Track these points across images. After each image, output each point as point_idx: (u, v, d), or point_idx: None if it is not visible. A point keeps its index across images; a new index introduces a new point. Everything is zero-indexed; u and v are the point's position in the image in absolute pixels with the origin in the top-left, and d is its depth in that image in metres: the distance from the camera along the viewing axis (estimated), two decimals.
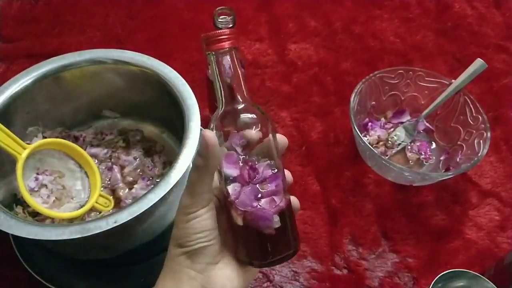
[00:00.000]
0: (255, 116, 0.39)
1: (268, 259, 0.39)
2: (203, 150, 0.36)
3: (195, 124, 0.58)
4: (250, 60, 0.90)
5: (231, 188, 0.38)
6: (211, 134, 0.37)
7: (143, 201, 0.51)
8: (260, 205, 0.38)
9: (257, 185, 0.38)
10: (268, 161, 0.39)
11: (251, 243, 0.39)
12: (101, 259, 0.64)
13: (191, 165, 0.59)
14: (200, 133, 0.37)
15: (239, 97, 0.39)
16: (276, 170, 0.39)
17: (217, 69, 0.39)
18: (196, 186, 0.38)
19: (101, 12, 0.99)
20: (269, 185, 0.38)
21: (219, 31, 0.38)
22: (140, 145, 0.71)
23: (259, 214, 0.38)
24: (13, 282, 0.63)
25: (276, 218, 0.38)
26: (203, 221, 0.38)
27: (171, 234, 0.40)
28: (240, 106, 0.39)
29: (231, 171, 0.38)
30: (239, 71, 0.39)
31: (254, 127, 0.38)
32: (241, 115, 0.39)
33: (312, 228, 0.70)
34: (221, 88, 0.39)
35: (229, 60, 0.38)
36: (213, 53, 0.38)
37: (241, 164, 0.38)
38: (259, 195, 0.38)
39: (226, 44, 0.38)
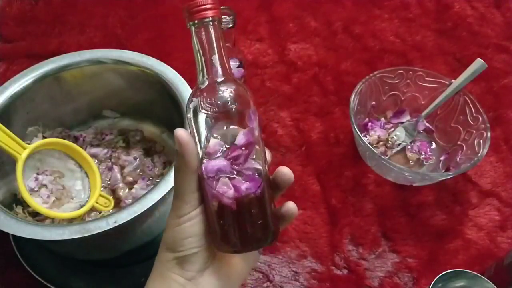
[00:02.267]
0: (235, 91, 0.37)
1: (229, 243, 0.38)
2: (179, 150, 0.36)
3: None
4: (250, 60, 0.90)
5: (205, 163, 0.37)
6: (183, 133, 0.36)
7: (143, 201, 0.51)
8: (225, 172, 0.37)
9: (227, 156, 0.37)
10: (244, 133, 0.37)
11: (219, 225, 0.38)
12: (101, 259, 0.64)
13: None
14: (176, 135, 0.36)
15: (220, 71, 0.38)
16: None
17: (198, 40, 0.37)
18: (181, 187, 0.38)
19: (101, 12, 0.99)
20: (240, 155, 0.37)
21: (201, 0, 0.36)
22: (140, 145, 0.71)
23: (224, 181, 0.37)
24: (13, 282, 0.63)
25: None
26: (194, 225, 0.38)
27: (162, 237, 0.40)
28: (220, 79, 0.37)
29: (209, 150, 0.37)
30: (221, 44, 0.37)
31: (234, 102, 0.37)
32: (220, 88, 0.37)
33: (312, 228, 0.70)
34: (202, 61, 0.38)
35: (212, 30, 0.37)
36: (195, 23, 0.37)
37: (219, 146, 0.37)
38: (229, 168, 0.37)
39: (209, 13, 0.36)
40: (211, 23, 0.37)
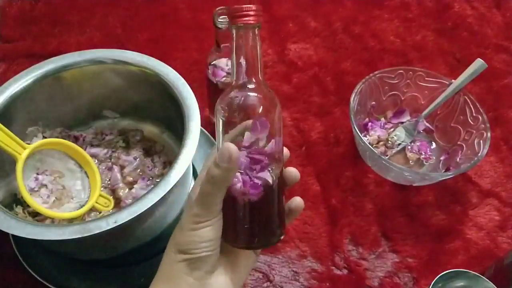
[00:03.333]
0: (261, 98, 0.39)
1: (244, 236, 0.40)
2: (225, 163, 0.36)
3: (195, 124, 0.58)
4: None
5: None
6: (234, 148, 0.36)
7: (143, 201, 0.51)
8: (247, 173, 0.38)
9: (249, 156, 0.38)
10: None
11: (235, 221, 0.40)
12: (101, 259, 0.64)
13: (191, 165, 0.59)
14: (223, 145, 0.37)
15: (252, 76, 0.39)
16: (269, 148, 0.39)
17: (236, 43, 0.38)
18: (209, 198, 0.38)
19: (101, 12, 0.99)
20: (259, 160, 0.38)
21: (246, 5, 0.37)
22: (140, 145, 0.71)
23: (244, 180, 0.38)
24: (13, 282, 0.63)
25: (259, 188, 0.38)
26: (211, 230, 0.38)
27: (172, 239, 0.40)
28: (251, 86, 0.39)
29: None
30: (258, 50, 0.39)
31: (259, 108, 0.38)
32: (249, 94, 0.38)
33: (312, 228, 0.70)
34: (237, 64, 0.39)
35: (251, 36, 0.38)
36: (236, 26, 0.38)
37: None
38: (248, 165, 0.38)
39: (251, 20, 0.37)
40: (253, 29, 0.38)
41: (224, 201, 0.39)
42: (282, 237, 0.41)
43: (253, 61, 0.39)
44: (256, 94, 0.39)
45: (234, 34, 0.38)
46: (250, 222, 0.39)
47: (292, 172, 0.41)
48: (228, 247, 0.41)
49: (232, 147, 0.36)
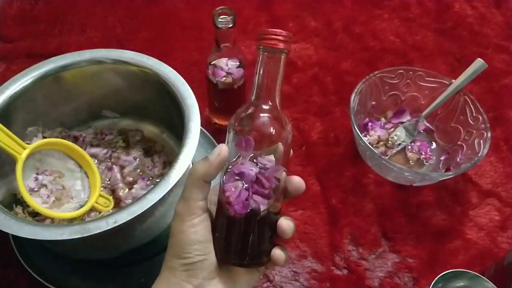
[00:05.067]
0: (272, 120, 0.39)
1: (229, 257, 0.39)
2: (214, 159, 0.38)
3: (195, 124, 0.58)
4: (250, 60, 0.89)
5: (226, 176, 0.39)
6: (225, 149, 0.38)
7: (143, 201, 0.51)
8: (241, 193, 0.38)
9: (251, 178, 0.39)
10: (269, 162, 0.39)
11: (228, 235, 0.40)
12: (101, 259, 0.64)
13: (191, 165, 0.59)
14: (218, 146, 0.39)
15: (269, 98, 0.39)
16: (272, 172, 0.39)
17: (261, 64, 0.39)
18: (192, 192, 0.38)
19: (101, 12, 0.99)
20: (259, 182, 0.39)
21: (279, 30, 0.38)
22: (140, 145, 0.71)
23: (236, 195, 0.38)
24: (13, 283, 0.63)
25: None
26: (198, 232, 0.38)
27: (168, 244, 0.40)
28: (266, 107, 0.39)
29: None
30: (280, 75, 0.39)
31: (268, 129, 0.39)
32: (261, 114, 0.39)
33: (312, 228, 0.70)
34: (258, 84, 0.40)
35: (276, 61, 0.39)
36: (264, 48, 0.39)
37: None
38: (246, 187, 0.38)
39: (280, 44, 0.38)
40: (279, 54, 0.39)
41: (217, 214, 0.40)
42: (265, 261, 0.40)
43: (274, 84, 0.39)
44: (266, 115, 0.39)
45: (260, 55, 0.39)
46: (236, 238, 0.39)
47: (298, 181, 0.41)
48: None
49: (224, 146, 0.38)
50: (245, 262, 0.39)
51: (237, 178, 0.38)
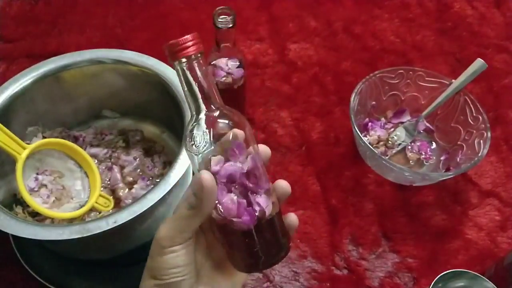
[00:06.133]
0: (231, 122, 0.37)
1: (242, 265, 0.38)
2: (199, 192, 0.34)
3: None
4: (250, 60, 0.90)
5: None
6: (208, 177, 0.34)
7: (143, 201, 0.51)
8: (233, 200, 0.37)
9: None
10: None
11: (230, 247, 0.39)
12: (101, 259, 0.64)
13: (191, 166, 0.59)
14: (198, 174, 0.35)
15: (212, 104, 0.37)
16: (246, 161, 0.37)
17: (185, 77, 0.37)
18: (182, 223, 0.36)
19: (101, 12, 0.99)
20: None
21: (182, 38, 0.36)
22: (140, 145, 0.70)
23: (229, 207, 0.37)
24: (13, 283, 0.63)
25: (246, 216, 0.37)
26: (178, 257, 0.36)
27: (146, 263, 0.38)
28: (216, 113, 0.37)
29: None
30: (209, 76, 0.37)
31: (231, 132, 0.37)
32: (218, 120, 0.37)
33: (312, 228, 0.70)
34: (193, 96, 0.37)
35: (198, 66, 0.37)
36: (180, 61, 0.36)
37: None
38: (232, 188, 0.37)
39: (192, 50, 0.36)
40: (197, 59, 0.37)
41: (221, 232, 0.38)
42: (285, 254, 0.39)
43: (209, 87, 0.37)
44: (225, 120, 0.37)
45: (180, 70, 0.37)
46: (258, 247, 0.38)
47: (283, 185, 0.39)
48: (210, 267, 0.40)
49: (206, 175, 0.34)
50: (274, 261, 0.38)
51: (226, 185, 0.36)
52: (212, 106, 0.37)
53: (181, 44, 0.36)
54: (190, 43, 0.36)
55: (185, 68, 0.37)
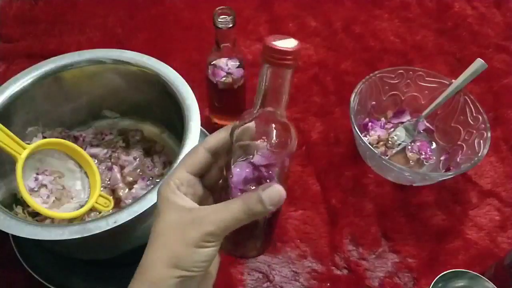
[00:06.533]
0: (278, 131, 0.38)
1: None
2: (276, 204, 0.35)
3: (195, 124, 0.58)
4: (250, 60, 0.89)
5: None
6: (283, 192, 0.36)
7: (143, 201, 0.51)
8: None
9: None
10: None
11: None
12: (101, 259, 0.64)
13: None
14: (273, 187, 0.35)
15: (276, 109, 0.38)
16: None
17: (267, 80, 0.38)
18: (234, 224, 0.36)
19: (101, 12, 0.99)
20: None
21: (284, 48, 0.37)
22: (140, 145, 0.71)
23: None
24: (13, 283, 0.63)
25: None
26: (216, 250, 0.36)
27: (168, 251, 0.37)
28: (260, 114, 0.38)
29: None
30: (288, 89, 0.38)
31: (274, 138, 0.38)
32: (273, 124, 0.38)
33: (312, 228, 0.70)
34: (263, 96, 0.38)
35: (285, 76, 0.38)
36: (270, 66, 0.37)
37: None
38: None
39: (287, 64, 0.37)
40: (285, 71, 0.37)
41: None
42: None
43: (281, 95, 0.38)
44: (274, 124, 0.38)
45: (266, 72, 0.37)
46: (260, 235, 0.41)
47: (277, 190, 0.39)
48: None
49: (283, 192, 0.35)
50: (250, 256, 0.43)
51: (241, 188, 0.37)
52: (278, 109, 0.38)
53: (283, 54, 0.37)
54: (289, 56, 0.37)
55: (268, 71, 0.38)
